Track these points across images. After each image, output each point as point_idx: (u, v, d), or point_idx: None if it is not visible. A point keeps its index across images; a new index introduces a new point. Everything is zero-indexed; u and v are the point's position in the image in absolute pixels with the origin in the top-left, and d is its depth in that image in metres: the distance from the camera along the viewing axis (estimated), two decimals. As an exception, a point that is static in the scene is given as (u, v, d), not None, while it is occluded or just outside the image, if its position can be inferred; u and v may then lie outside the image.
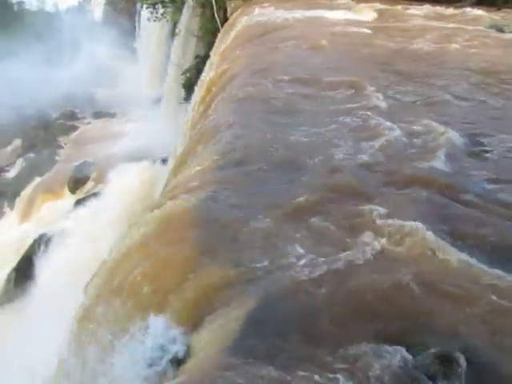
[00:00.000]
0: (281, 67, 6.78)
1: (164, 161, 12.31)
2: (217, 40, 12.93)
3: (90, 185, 14.78)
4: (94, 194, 13.16)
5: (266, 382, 2.01)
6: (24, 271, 11.63)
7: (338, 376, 2.00)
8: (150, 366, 2.45)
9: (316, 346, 2.21)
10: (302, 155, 4.06)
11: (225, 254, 2.83)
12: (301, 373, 2.02)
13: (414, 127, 4.54)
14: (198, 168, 4.31)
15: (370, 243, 2.80)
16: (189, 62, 17.29)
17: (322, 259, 2.71)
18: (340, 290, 2.52)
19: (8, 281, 11.85)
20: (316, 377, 2.00)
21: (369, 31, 9.16)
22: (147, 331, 2.61)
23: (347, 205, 3.26)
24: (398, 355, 2.06)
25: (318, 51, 7.73)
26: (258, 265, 2.71)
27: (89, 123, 21.57)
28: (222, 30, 13.59)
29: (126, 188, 12.14)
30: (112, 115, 22.16)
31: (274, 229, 3.01)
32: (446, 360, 2.08)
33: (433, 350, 2.10)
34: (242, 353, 2.20)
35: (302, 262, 2.70)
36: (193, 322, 2.54)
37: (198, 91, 10.32)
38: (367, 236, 2.87)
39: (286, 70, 6.58)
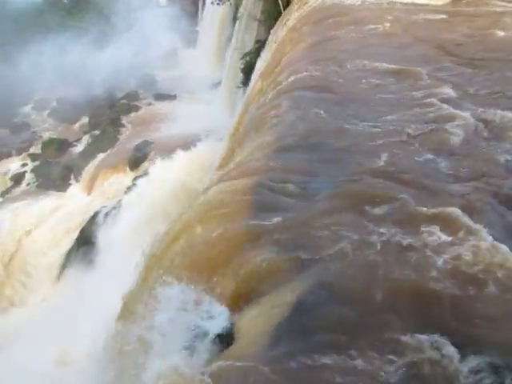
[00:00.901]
0: (343, 54, 6.57)
1: (218, 143, 12.49)
2: (277, 24, 12.75)
3: (147, 163, 15.39)
4: (150, 173, 13.66)
5: (311, 369, 2.02)
6: (86, 240, 12.45)
7: (386, 364, 1.96)
8: (193, 341, 2.52)
9: (365, 335, 2.18)
10: (362, 144, 3.95)
11: (277, 239, 2.84)
12: (350, 362, 2.01)
13: (488, 118, 4.26)
14: (252, 152, 4.34)
15: (433, 240, 2.70)
16: (249, 46, 17.26)
17: (373, 250, 2.65)
18: (394, 279, 2.45)
19: (72, 248, 12.77)
20: (364, 366, 1.98)
21: (440, 16, 8.60)
22: (195, 306, 2.69)
23: (409, 196, 3.14)
24: (453, 357, 1.99)
25: (385, 38, 7.40)
26: (310, 251, 2.70)
27: (150, 104, 22.32)
28: (283, 14, 13.38)
29: (180, 168, 12.49)
30: (172, 97, 22.75)
31: (327, 216, 2.97)
32: (500, 369, 1.98)
33: (488, 358, 2.02)
34: (287, 341, 2.21)
35: (355, 251, 2.65)
36: (239, 303, 2.58)
37: (257, 75, 10.31)
38: (430, 232, 2.77)
39: (349, 57, 6.37)
